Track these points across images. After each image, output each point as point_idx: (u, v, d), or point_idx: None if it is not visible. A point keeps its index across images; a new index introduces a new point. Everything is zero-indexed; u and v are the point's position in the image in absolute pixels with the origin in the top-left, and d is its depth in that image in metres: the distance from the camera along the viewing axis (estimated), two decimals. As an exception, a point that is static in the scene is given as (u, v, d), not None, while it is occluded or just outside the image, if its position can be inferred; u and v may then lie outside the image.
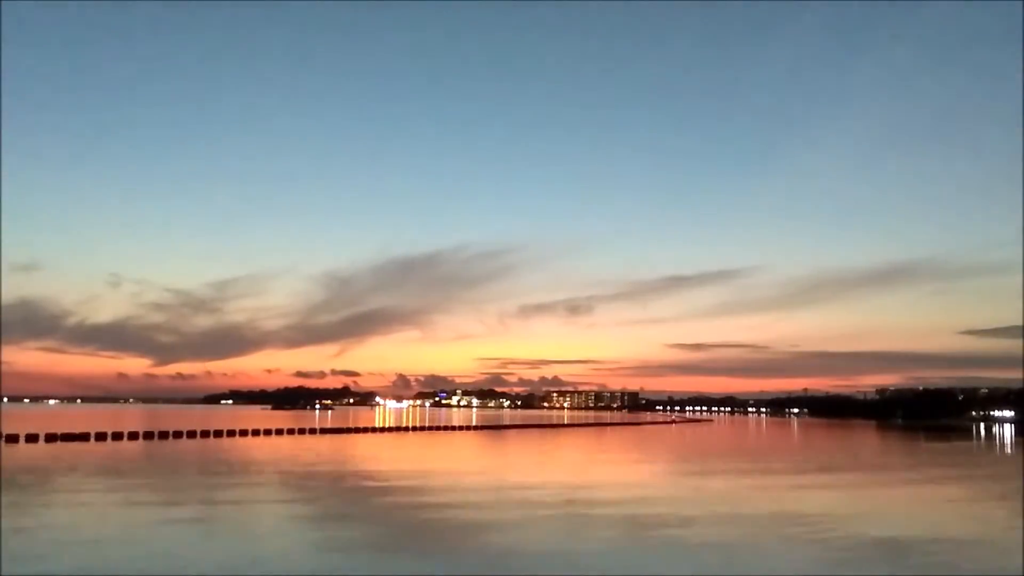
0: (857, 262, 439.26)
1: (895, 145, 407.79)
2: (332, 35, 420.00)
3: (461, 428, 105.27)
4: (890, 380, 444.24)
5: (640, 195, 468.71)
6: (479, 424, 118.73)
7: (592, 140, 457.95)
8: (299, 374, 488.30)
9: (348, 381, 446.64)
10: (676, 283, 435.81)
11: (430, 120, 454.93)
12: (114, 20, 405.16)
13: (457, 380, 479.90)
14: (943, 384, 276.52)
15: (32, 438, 62.17)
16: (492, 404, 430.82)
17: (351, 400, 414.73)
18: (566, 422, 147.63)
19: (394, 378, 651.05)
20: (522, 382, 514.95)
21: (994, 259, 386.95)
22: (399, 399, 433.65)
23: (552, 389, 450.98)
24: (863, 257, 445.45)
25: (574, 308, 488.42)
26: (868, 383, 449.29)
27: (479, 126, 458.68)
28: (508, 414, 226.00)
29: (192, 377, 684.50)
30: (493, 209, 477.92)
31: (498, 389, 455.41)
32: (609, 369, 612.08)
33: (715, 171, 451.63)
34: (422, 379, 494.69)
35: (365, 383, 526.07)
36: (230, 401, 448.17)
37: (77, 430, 69.35)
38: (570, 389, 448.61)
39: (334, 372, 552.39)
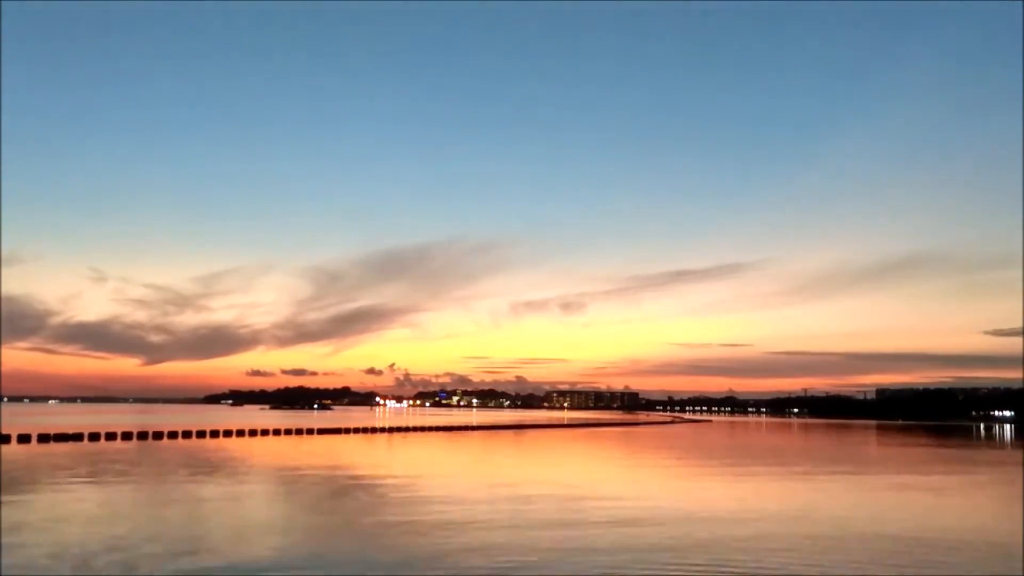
0: (859, 259, 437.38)
1: (902, 142, 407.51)
2: (320, 28, 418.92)
3: (461, 429, 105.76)
4: (891, 380, 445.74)
5: (639, 189, 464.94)
6: (479, 425, 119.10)
7: (589, 133, 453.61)
8: (294, 372, 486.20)
9: (342, 381, 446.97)
10: (675, 279, 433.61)
11: (421, 112, 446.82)
12: (100, 15, 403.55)
13: (449, 379, 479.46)
14: (946, 384, 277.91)
15: (44, 438, 62.82)
16: (492, 404, 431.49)
17: (348, 400, 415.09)
18: (566, 422, 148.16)
19: (388, 377, 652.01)
20: (518, 381, 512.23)
21: (998, 256, 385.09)
22: (399, 399, 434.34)
23: (551, 389, 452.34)
24: (865, 254, 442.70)
25: (568, 305, 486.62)
26: (869, 382, 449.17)
27: (471, 118, 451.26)
28: (508, 414, 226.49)
29: (187, 377, 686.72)
30: (485, 203, 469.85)
31: (497, 389, 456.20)
32: (607, 369, 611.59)
33: (716, 166, 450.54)
34: (414, 378, 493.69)
35: (358, 382, 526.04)
36: (230, 401, 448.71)
37: (89, 430, 69.79)
38: (569, 389, 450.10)
39: (327, 372, 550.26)
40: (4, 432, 63.20)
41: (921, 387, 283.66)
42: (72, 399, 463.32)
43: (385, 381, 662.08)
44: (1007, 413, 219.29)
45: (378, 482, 36.56)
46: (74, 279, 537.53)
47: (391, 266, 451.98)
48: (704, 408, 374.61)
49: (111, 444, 61.49)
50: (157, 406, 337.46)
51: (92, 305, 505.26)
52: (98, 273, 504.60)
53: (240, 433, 78.35)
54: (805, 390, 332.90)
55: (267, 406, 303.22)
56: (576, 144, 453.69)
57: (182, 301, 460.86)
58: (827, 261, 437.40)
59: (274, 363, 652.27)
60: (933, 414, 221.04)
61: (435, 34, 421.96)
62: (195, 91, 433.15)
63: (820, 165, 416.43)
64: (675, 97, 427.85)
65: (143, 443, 63.36)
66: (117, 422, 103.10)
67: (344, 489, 33.60)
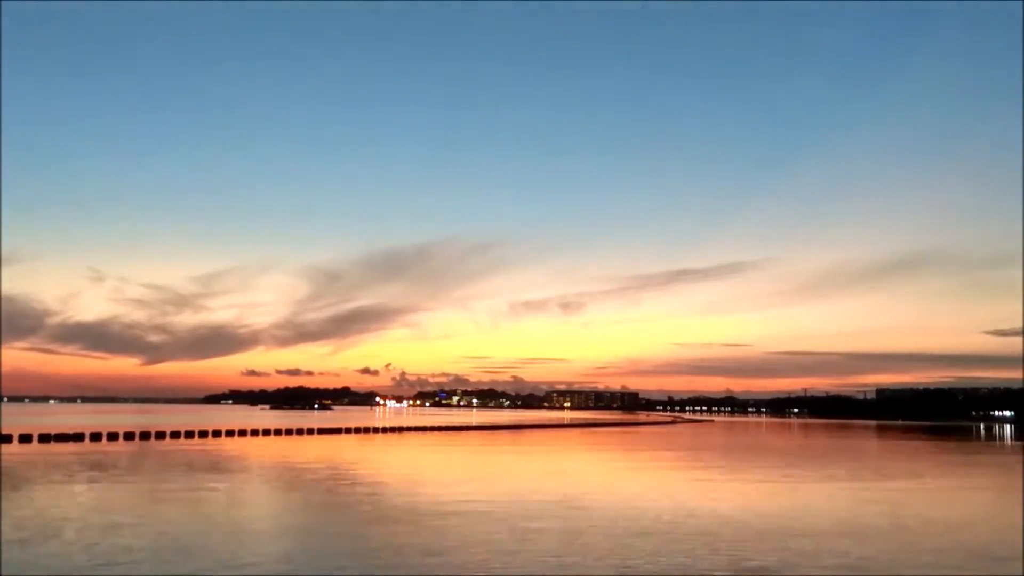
0: (859, 259, 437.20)
1: (902, 142, 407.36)
2: (319, 30, 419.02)
3: (461, 429, 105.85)
4: (891, 380, 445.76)
5: (639, 189, 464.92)
6: (479, 425, 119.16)
7: (588, 133, 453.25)
8: (289, 372, 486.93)
9: (340, 381, 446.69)
10: (675, 279, 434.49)
11: (420, 112, 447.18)
12: (99, 17, 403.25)
13: (447, 379, 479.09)
14: (946, 384, 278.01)
15: (45, 438, 63.02)
16: (492, 404, 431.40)
17: (348, 400, 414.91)
18: (567, 422, 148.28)
19: (385, 377, 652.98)
20: (517, 381, 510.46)
21: (998, 256, 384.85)
22: (399, 399, 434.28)
23: (551, 389, 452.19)
24: (865, 254, 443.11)
25: (567, 305, 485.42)
26: (869, 382, 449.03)
27: (470, 118, 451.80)
28: (508, 414, 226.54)
29: (186, 377, 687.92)
30: (484, 203, 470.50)
31: (497, 389, 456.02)
32: (607, 369, 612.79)
33: (716, 166, 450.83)
34: (411, 378, 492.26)
35: (355, 382, 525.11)
36: (230, 401, 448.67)
37: (89, 430, 69.91)
38: (568, 389, 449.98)
39: (323, 372, 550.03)
40: (5, 432, 63.31)
41: (921, 387, 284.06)
42: (72, 399, 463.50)
43: (382, 381, 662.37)
44: (1007, 413, 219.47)
45: (377, 483, 36.66)
46: (73, 279, 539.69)
47: (390, 266, 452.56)
48: (704, 408, 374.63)
49: (112, 444, 61.68)
50: (157, 406, 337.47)
51: (91, 305, 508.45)
52: (96, 273, 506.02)
53: (241, 433, 78.47)
54: (805, 390, 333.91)
55: (267, 406, 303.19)
56: (575, 144, 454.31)
57: (181, 301, 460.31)
58: (827, 261, 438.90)
59: (273, 363, 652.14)
60: (933, 414, 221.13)
61: (434, 35, 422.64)
62: (194, 92, 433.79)
63: (820, 165, 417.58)
64: (675, 98, 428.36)
65: (144, 443, 63.54)
66: (117, 422, 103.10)
67: (342, 490, 33.66)
